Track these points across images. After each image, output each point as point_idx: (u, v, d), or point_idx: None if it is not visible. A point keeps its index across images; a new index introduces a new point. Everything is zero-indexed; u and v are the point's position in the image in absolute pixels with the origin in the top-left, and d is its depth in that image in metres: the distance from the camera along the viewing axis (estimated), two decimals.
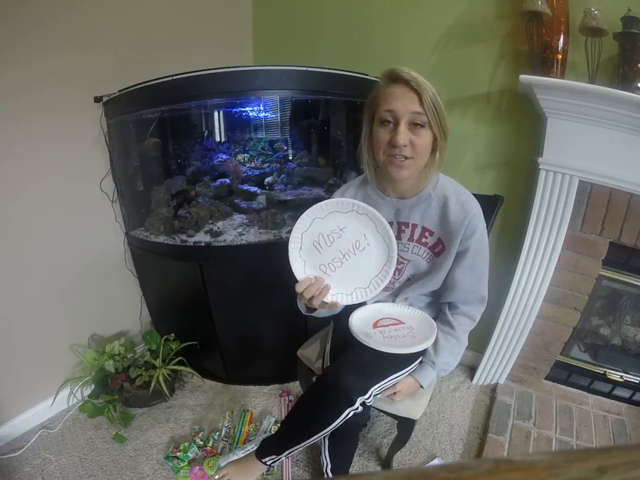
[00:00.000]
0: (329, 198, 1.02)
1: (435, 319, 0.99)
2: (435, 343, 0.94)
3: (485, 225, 0.91)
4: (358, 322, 0.92)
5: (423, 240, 0.92)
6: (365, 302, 1.02)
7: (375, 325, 0.93)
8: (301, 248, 0.83)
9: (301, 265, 0.83)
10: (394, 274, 0.98)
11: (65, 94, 1.23)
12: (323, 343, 1.13)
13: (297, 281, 0.83)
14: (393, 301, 1.02)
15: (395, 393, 0.93)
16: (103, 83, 1.28)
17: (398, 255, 0.95)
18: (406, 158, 0.80)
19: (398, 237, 0.94)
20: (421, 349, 0.87)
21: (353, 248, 0.82)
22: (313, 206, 0.81)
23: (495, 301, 1.45)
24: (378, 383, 0.90)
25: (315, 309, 0.91)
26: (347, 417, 0.85)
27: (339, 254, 0.82)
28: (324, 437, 0.97)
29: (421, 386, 0.95)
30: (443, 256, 0.92)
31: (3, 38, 1.07)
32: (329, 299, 0.83)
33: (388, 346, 0.83)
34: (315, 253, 0.83)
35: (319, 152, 1.55)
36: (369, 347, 0.84)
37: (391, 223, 0.93)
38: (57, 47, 1.18)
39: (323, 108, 1.49)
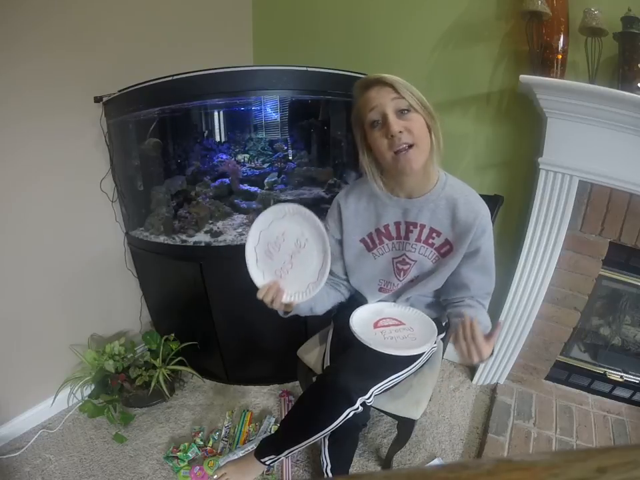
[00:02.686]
0: (329, 198, 1.03)
1: (436, 319, 0.99)
2: (458, 309, 0.91)
3: (492, 224, 0.92)
4: (359, 322, 0.92)
5: (430, 241, 0.92)
6: (367, 301, 1.02)
7: (376, 325, 0.93)
8: (257, 260, 0.90)
9: (260, 275, 0.90)
10: (398, 275, 0.98)
11: (65, 94, 1.23)
12: (323, 342, 1.13)
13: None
14: (394, 301, 1.02)
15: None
16: (103, 82, 1.28)
17: (404, 255, 0.95)
18: (409, 146, 0.79)
19: (406, 237, 0.93)
20: (422, 351, 0.86)
21: (296, 247, 0.87)
22: (256, 220, 0.88)
23: (495, 301, 1.45)
24: (378, 383, 0.90)
25: (290, 310, 0.94)
26: (347, 417, 0.85)
27: (287, 256, 0.88)
28: (324, 437, 0.97)
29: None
30: (449, 256, 0.91)
31: (3, 38, 1.07)
32: (286, 299, 0.88)
33: (389, 347, 0.83)
34: (269, 261, 0.89)
35: (319, 152, 1.55)
36: (370, 348, 0.84)
37: (398, 223, 0.93)
38: (57, 46, 1.18)
39: (323, 108, 1.49)
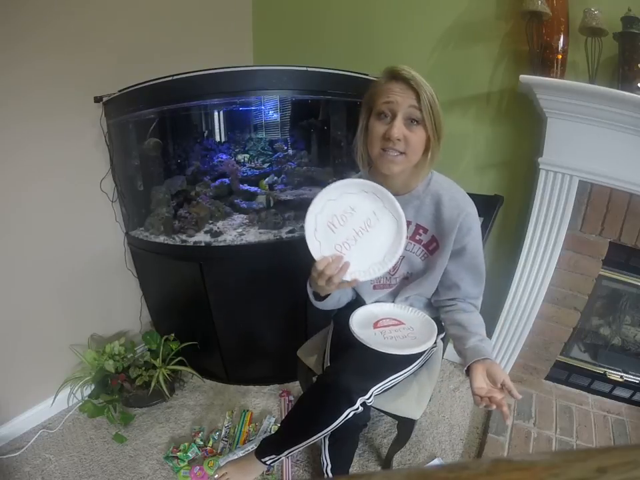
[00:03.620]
0: None
1: (435, 318, 0.99)
2: (464, 329, 0.89)
3: (479, 223, 0.92)
4: (358, 322, 0.92)
5: (417, 237, 0.93)
6: (365, 302, 1.02)
7: (376, 326, 0.92)
8: (316, 229, 0.84)
9: (317, 246, 0.84)
10: (389, 269, 0.98)
11: (65, 94, 1.23)
12: (323, 342, 1.13)
13: (314, 262, 0.82)
14: (393, 301, 1.02)
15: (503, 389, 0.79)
16: (103, 83, 1.28)
17: None
18: (399, 153, 0.81)
19: None
20: (422, 350, 0.86)
21: (365, 225, 0.84)
22: (324, 188, 0.83)
23: (495, 301, 1.45)
24: (378, 383, 0.90)
25: (325, 297, 0.91)
26: (347, 417, 0.85)
27: (352, 232, 0.84)
28: (324, 437, 0.97)
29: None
30: (437, 254, 0.92)
31: (3, 39, 1.07)
32: (347, 276, 0.82)
33: (389, 347, 0.83)
34: (330, 233, 0.84)
35: (319, 152, 1.55)
36: (370, 348, 0.84)
37: None
38: (57, 47, 1.18)
39: (323, 108, 1.49)
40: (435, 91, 0.79)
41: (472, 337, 0.86)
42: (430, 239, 0.92)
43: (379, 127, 0.82)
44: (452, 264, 0.93)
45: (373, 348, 0.82)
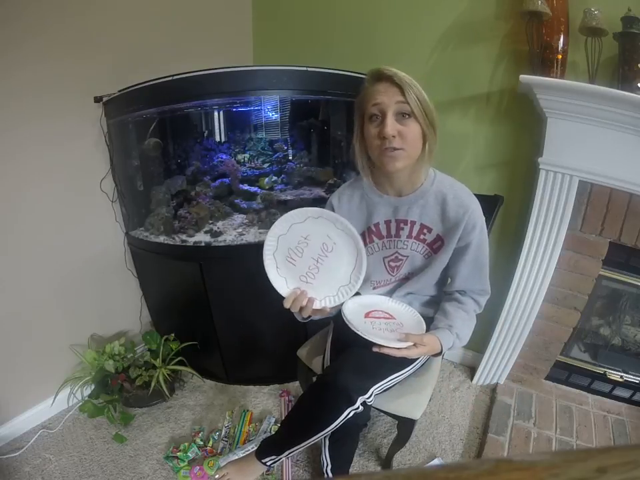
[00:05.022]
0: (328, 198, 1.03)
1: (430, 318, 0.98)
2: (445, 314, 0.94)
3: (484, 219, 0.93)
4: (351, 309, 0.92)
5: (422, 237, 0.93)
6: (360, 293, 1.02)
7: (367, 315, 0.93)
8: (277, 267, 0.87)
9: (283, 282, 0.87)
10: (391, 272, 0.98)
11: (65, 95, 1.23)
12: (323, 342, 1.13)
13: (283, 298, 0.87)
14: (391, 296, 1.02)
15: (414, 345, 0.82)
16: (103, 83, 1.28)
17: (396, 252, 0.95)
18: (397, 149, 0.81)
19: (397, 235, 0.94)
20: (404, 346, 0.85)
21: (322, 251, 0.85)
22: (273, 225, 0.85)
23: (495, 301, 1.45)
24: (378, 382, 0.90)
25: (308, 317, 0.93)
26: (348, 417, 0.85)
27: (312, 261, 0.85)
28: (324, 437, 0.97)
29: (441, 350, 0.87)
30: (441, 251, 0.93)
31: (4, 42, 1.07)
32: (317, 305, 0.86)
33: (374, 336, 0.81)
34: (291, 267, 0.86)
35: (318, 152, 1.55)
36: (369, 348, 0.83)
37: (389, 221, 0.94)
38: (58, 48, 1.18)
39: (322, 108, 1.49)
40: (420, 85, 0.80)
41: (442, 323, 0.91)
42: (435, 238, 0.93)
43: (373, 129, 0.83)
44: (456, 260, 0.93)
45: (358, 333, 0.81)
